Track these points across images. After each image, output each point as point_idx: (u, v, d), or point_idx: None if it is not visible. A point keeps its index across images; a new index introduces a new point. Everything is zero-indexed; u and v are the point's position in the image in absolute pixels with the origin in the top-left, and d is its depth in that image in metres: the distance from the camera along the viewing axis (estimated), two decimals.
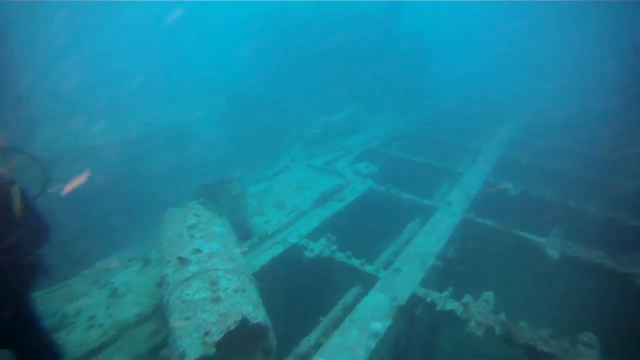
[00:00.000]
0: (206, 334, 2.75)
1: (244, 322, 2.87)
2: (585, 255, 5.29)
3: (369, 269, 4.81)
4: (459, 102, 12.98)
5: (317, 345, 4.02)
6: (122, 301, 4.31)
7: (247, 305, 3.03)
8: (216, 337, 2.73)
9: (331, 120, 9.40)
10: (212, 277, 3.19)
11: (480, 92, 14.07)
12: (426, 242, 5.36)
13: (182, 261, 3.41)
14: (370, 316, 4.11)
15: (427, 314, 4.52)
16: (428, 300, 4.40)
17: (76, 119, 9.94)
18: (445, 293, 4.46)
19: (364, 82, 11.45)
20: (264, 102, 11.25)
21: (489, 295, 4.46)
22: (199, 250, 3.49)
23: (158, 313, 3.98)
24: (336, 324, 4.24)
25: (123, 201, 8.30)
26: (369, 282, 4.73)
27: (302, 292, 5.04)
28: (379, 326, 4.01)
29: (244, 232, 4.99)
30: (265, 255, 4.84)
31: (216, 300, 2.98)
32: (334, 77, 11.41)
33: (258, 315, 3.02)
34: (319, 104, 10.66)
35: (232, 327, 2.81)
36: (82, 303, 4.32)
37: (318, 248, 4.96)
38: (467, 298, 4.35)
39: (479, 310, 4.22)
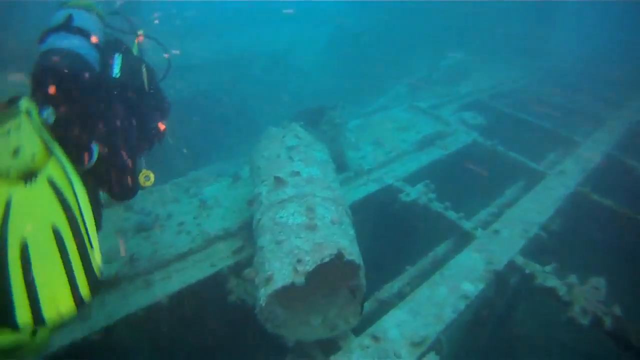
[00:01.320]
0: (298, 261, 2.57)
1: (339, 256, 2.66)
2: None
3: (467, 225, 4.41)
4: (586, 62, 11.41)
5: (400, 294, 3.81)
6: (210, 213, 4.31)
7: (344, 239, 2.81)
8: (309, 267, 2.54)
9: (438, 64, 8.67)
10: (309, 203, 2.99)
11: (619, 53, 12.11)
12: (530, 209, 4.80)
13: (279, 182, 3.23)
14: (463, 275, 3.77)
15: (523, 285, 4.10)
16: (527, 271, 3.95)
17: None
18: (547, 268, 3.99)
19: (478, 28, 10.30)
20: (369, 39, 10.64)
21: (599, 282, 3.91)
22: (297, 173, 3.29)
23: (244, 231, 3.92)
24: (422, 276, 3.98)
25: (217, 118, 8.41)
26: (463, 239, 4.36)
27: (389, 236, 4.78)
28: (471, 288, 3.68)
29: (339, 164, 4.75)
30: (359, 191, 4.59)
31: (312, 228, 2.78)
32: (446, 20, 10.41)
33: (353, 251, 2.79)
34: (426, 46, 9.83)
35: (326, 260, 2.60)
36: (173, 209, 4.39)
37: (414, 193, 4.62)
38: (572, 279, 3.85)
39: (586, 296, 3.72)
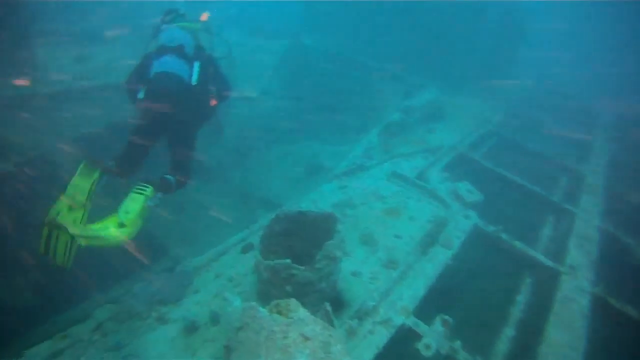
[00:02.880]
0: None
1: None
2: None
3: None
4: (553, 87, 10.87)
5: None
6: None
7: None
8: None
9: (410, 104, 7.61)
10: None
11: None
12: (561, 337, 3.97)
13: None
14: None
15: None
16: None
17: None
18: None
19: (449, 60, 9.29)
20: (329, 62, 9.29)
21: None
22: None
23: None
24: None
25: None
26: None
27: None
28: None
29: (336, 301, 3.58)
30: (368, 345, 3.36)
31: None
32: (415, 50, 9.27)
33: None
34: (393, 79, 8.69)
35: None
36: None
37: (433, 338, 3.53)
38: None
39: None
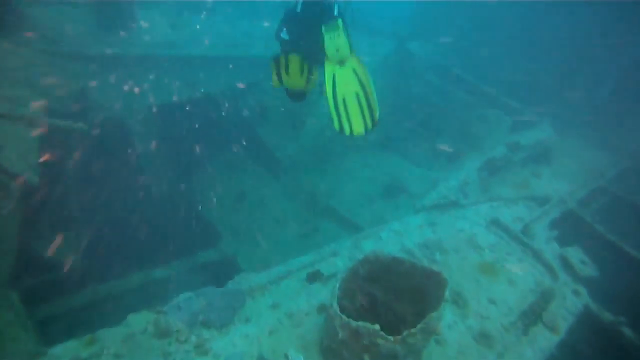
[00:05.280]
0: None
1: None
2: None
3: None
4: None
5: None
6: None
7: None
8: None
9: (518, 139, 6.60)
10: None
11: None
12: None
13: None
14: None
15: None
16: None
17: None
18: None
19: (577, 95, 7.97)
20: (433, 74, 8.42)
21: None
22: None
23: None
24: None
25: None
26: None
27: None
28: None
29: None
30: None
31: None
32: (534, 78, 8.11)
33: None
34: (501, 107, 7.61)
35: None
36: None
37: None
38: None
39: None
